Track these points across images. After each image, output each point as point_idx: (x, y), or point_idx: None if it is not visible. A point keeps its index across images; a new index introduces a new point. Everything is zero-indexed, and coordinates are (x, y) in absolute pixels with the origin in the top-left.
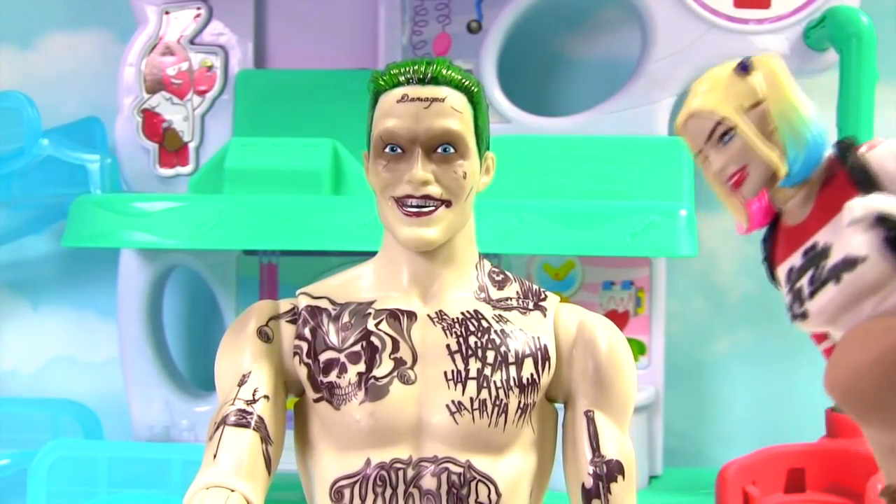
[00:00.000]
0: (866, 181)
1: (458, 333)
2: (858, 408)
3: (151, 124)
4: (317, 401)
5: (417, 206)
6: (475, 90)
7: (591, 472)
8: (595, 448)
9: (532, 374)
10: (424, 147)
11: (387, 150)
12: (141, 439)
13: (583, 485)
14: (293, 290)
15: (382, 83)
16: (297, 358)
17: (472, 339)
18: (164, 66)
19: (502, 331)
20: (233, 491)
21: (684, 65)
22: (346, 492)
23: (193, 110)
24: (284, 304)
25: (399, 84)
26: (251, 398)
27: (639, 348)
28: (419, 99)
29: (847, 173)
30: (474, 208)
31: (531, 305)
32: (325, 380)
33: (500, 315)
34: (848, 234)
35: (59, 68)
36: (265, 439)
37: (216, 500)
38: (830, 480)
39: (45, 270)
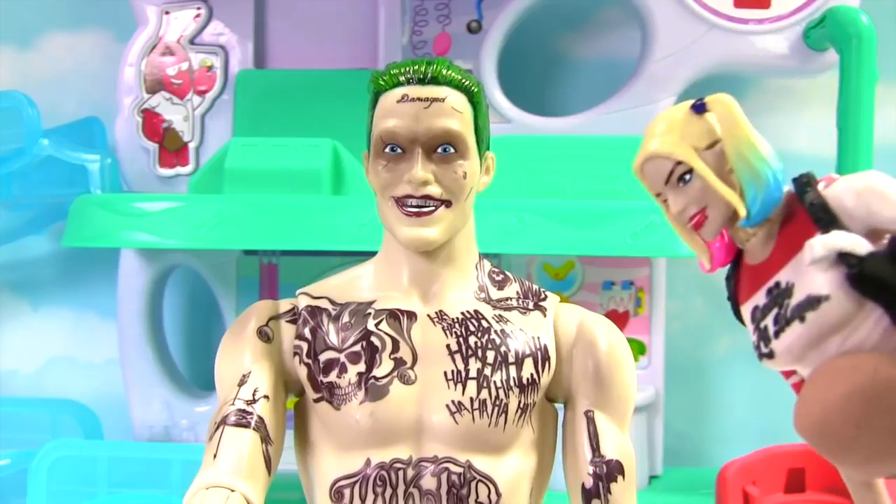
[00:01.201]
0: (825, 218)
1: (458, 333)
2: (830, 447)
3: (151, 124)
4: (317, 401)
5: (417, 206)
6: (475, 90)
7: (591, 472)
8: (595, 448)
9: (532, 374)
10: (424, 147)
11: (387, 150)
12: (141, 439)
13: (583, 485)
14: (293, 290)
15: (382, 83)
16: (297, 358)
17: (472, 339)
18: (164, 66)
19: (502, 331)
20: (233, 491)
21: (684, 65)
22: (346, 492)
23: (193, 110)
24: (284, 304)
25: (399, 84)
26: (251, 398)
27: (639, 348)
28: (419, 99)
29: (806, 211)
30: (474, 208)
31: (531, 305)
32: (325, 380)
33: (500, 315)
34: (810, 273)
35: (59, 68)
36: (265, 439)
37: (216, 499)
38: (830, 480)
39: (45, 270)
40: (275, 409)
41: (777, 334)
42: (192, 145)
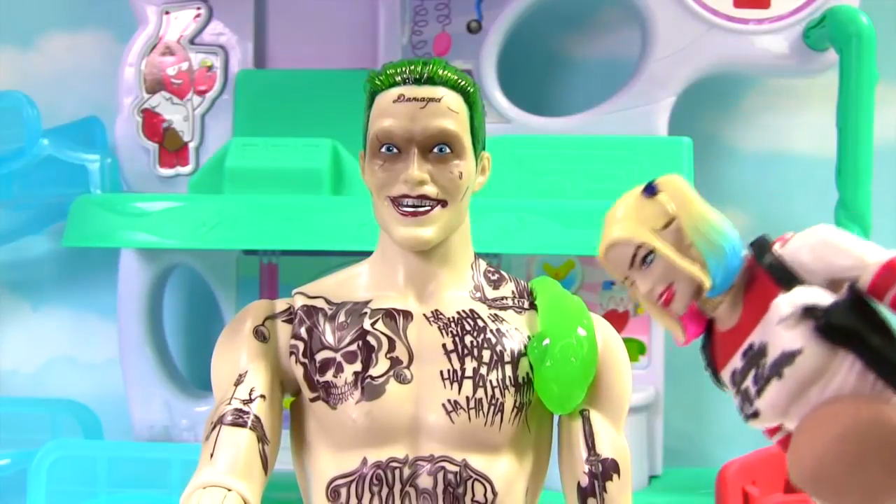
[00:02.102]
0: (786, 277)
1: (454, 333)
2: (826, 493)
3: (151, 124)
4: (313, 400)
5: (413, 206)
6: (471, 90)
7: (587, 470)
8: (590, 447)
9: (528, 374)
10: (420, 147)
11: (383, 149)
12: (141, 439)
13: (578, 483)
14: (293, 290)
15: (378, 83)
16: (293, 357)
17: (467, 339)
18: (164, 66)
19: (498, 330)
20: (229, 490)
21: (684, 65)
22: (343, 491)
23: (193, 110)
24: (280, 304)
25: (395, 84)
26: (247, 398)
27: (639, 348)
28: (415, 99)
29: (766, 272)
30: (473, 208)
31: (527, 305)
32: (322, 379)
33: (495, 314)
34: (780, 331)
35: (59, 68)
36: (262, 439)
37: (213, 499)
38: None
39: (45, 270)
40: (271, 409)
41: (759, 393)
42: (192, 145)
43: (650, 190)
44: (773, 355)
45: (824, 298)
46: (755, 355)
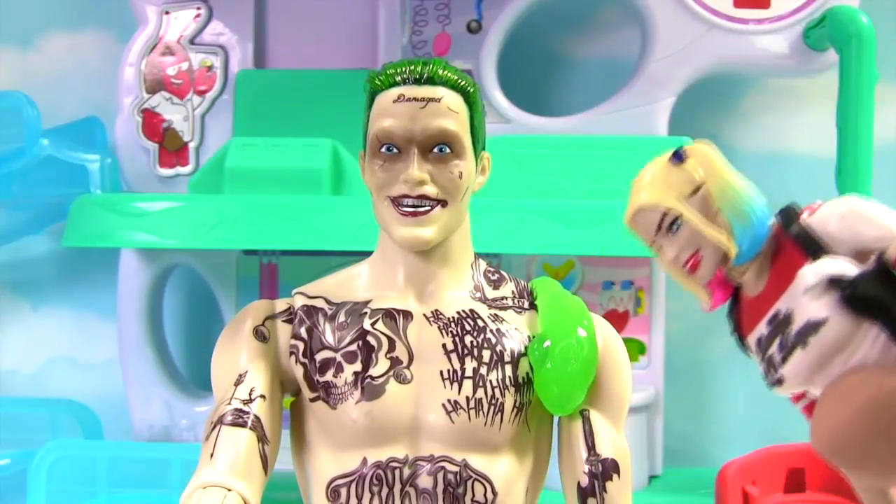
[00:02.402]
0: (812, 246)
1: (454, 333)
2: (848, 461)
3: (151, 124)
4: (313, 400)
5: (413, 206)
6: (471, 90)
7: (587, 470)
8: (590, 447)
9: (528, 374)
10: (420, 147)
11: (383, 149)
12: (141, 439)
13: (578, 483)
14: (293, 290)
15: (379, 83)
16: (293, 357)
17: (467, 339)
18: (164, 66)
19: (498, 330)
20: (229, 490)
21: (684, 65)
22: (343, 491)
23: (193, 110)
24: (280, 304)
25: (395, 84)
26: (247, 398)
27: (639, 348)
28: (415, 99)
29: (793, 241)
30: (473, 208)
31: (526, 305)
32: (322, 379)
33: (495, 314)
34: (805, 301)
35: (59, 68)
36: (262, 439)
37: (213, 499)
38: (830, 480)
39: (45, 270)
40: (271, 409)
41: (783, 360)
42: (192, 145)
43: (678, 157)
44: (798, 323)
45: (850, 269)
46: (781, 323)
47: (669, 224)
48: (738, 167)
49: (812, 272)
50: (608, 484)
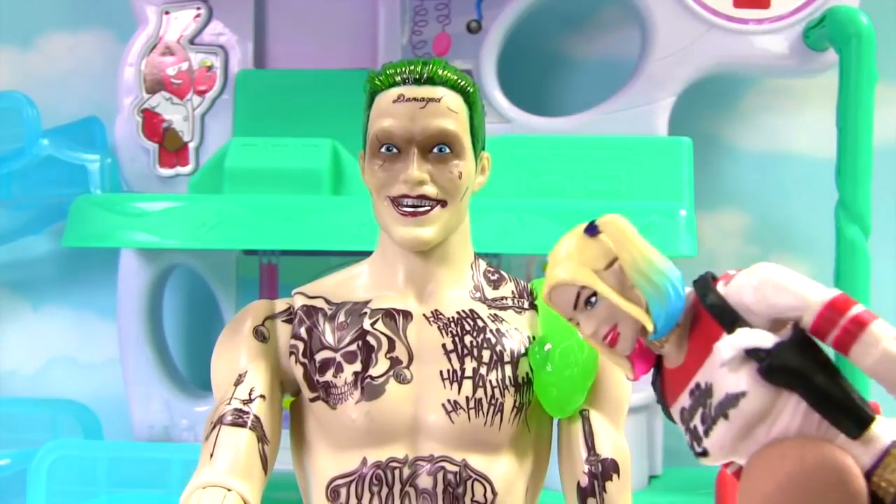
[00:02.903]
0: (728, 317)
1: (454, 333)
2: None
3: (151, 124)
4: (313, 400)
5: (413, 206)
6: (471, 90)
7: (587, 470)
8: (590, 447)
9: (528, 374)
10: (420, 147)
11: (382, 149)
12: (141, 439)
13: (578, 483)
14: (293, 290)
15: (378, 83)
16: (293, 357)
17: (467, 339)
18: (164, 66)
19: (498, 330)
20: (229, 490)
21: (684, 65)
22: (343, 491)
23: (193, 110)
24: (280, 304)
25: (395, 84)
26: (247, 398)
27: None
28: (415, 99)
29: (708, 312)
30: (473, 208)
31: (526, 305)
32: (322, 379)
33: (495, 314)
34: (723, 373)
35: (59, 68)
36: (261, 439)
37: (213, 499)
38: None
39: (45, 270)
40: (271, 409)
41: (706, 433)
42: (191, 145)
43: (592, 229)
44: (718, 396)
45: (767, 340)
46: (702, 395)
47: (586, 299)
48: (738, 167)
49: (728, 345)
50: (608, 484)
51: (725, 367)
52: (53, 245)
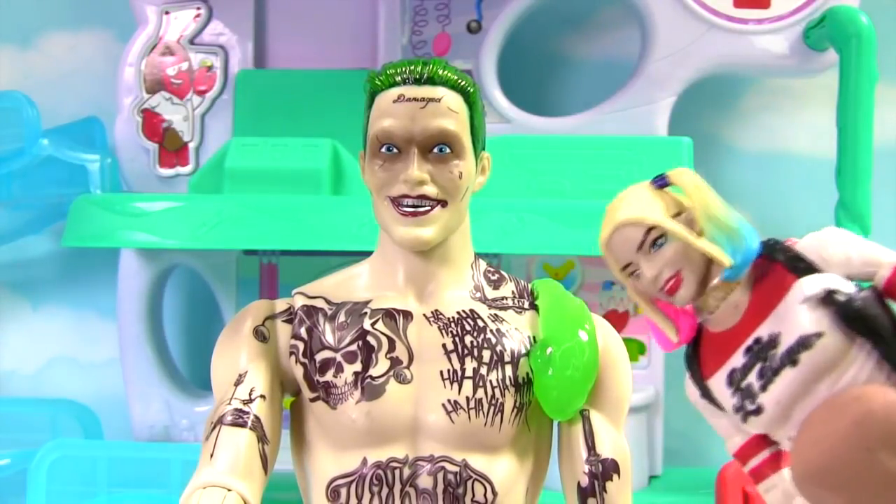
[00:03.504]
0: (804, 266)
1: (454, 333)
2: (840, 480)
3: (151, 124)
4: (313, 400)
5: (413, 206)
6: (471, 90)
7: (587, 470)
8: (590, 447)
9: (528, 374)
10: (420, 147)
11: (383, 149)
12: (141, 439)
13: (578, 483)
14: (293, 290)
15: (379, 83)
16: (293, 357)
17: (467, 339)
18: (164, 66)
19: (498, 330)
20: (229, 490)
21: (684, 65)
22: (343, 491)
23: (193, 110)
24: (280, 304)
25: (395, 84)
26: (247, 398)
27: (639, 348)
28: (415, 99)
29: (783, 265)
30: (473, 208)
31: (526, 305)
32: (322, 379)
33: (495, 314)
34: (797, 317)
35: (59, 68)
36: (262, 439)
37: (213, 499)
38: None
39: (45, 270)
40: (271, 409)
41: (764, 387)
42: (191, 145)
43: (661, 180)
44: (787, 343)
45: (847, 285)
46: (763, 348)
47: (653, 241)
48: (737, 167)
49: (810, 282)
50: (608, 484)
51: (806, 303)
52: (53, 245)
